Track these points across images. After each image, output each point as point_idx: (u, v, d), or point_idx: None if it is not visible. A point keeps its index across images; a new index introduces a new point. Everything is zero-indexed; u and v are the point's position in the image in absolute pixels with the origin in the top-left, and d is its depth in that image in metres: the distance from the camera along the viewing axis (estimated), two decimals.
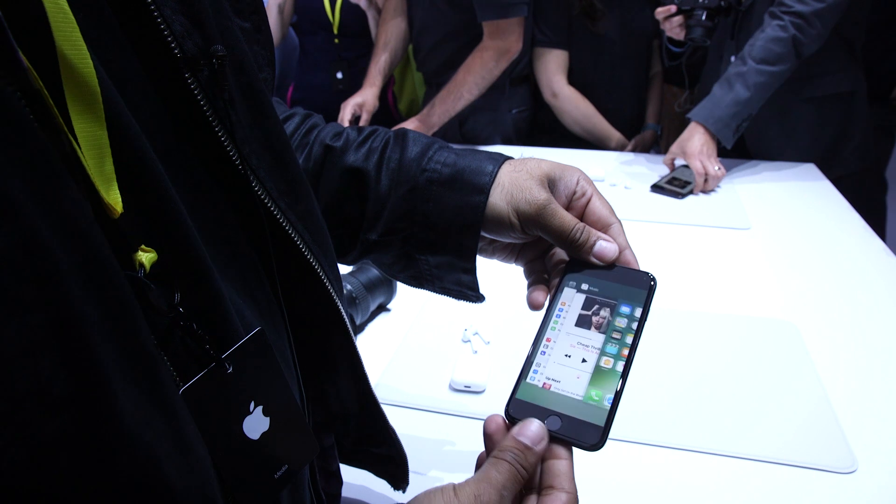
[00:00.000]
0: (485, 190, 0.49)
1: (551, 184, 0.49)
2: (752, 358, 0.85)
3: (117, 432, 0.23)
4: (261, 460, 0.33)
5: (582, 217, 0.49)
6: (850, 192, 1.48)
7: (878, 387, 0.81)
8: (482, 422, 0.76)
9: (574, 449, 0.40)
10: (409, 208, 0.51)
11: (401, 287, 0.97)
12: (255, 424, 0.33)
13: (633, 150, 1.85)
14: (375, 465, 0.57)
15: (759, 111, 1.49)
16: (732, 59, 1.50)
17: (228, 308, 0.32)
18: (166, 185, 0.29)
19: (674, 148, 1.52)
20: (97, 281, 0.23)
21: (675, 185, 1.48)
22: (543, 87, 1.83)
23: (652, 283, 0.45)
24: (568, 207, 0.50)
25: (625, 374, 0.41)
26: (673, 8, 1.58)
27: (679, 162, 1.54)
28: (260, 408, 0.33)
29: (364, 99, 1.74)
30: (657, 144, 1.97)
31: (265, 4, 2.17)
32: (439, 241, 0.51)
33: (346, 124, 1.65)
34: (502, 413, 0.42)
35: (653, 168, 1.66)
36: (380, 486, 0.61)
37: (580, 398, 0.41)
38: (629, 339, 0.43)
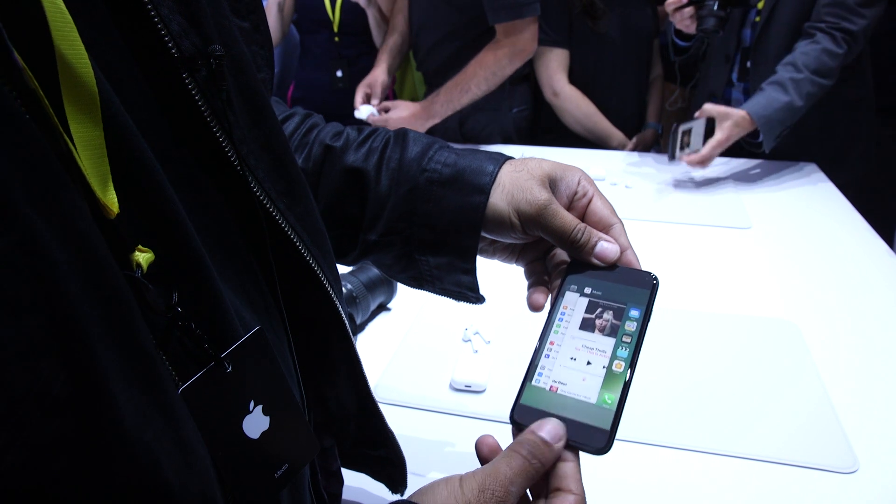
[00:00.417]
0: (485, 190, 0.49)
1: (552, 184, 0.49)
2: (752, 358, 0.85)
3: (117, 433, 0.23)
4: (261, 459, 0.33)
5: (583, 217, 0.49)
6: (860, 197, 1.47)
7: (880, 386, 0.80)
8: (483, 422, 0.76)
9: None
10: (410, 209, 0.51)
11: (401, 286, 0.97)
12: (255, 423, 0.33)
13: (634, 149, 1.85)
14: (373, 467, 0.57)
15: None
16: (778, 67, 1.47)
17: (227, 308, 0.31)
18: (164, 186, 0.29)
19: (719, 109, 1.44)
20: (96, 281, 0.23)
21: (683, 141, 1.44)
22: (544, 85, 1.83)
23: (654, 282, 0.45)
24: (569, 208, 0.49)
25: (629, 376, 0.41)
26: None
27: (693, 128, 1.48)
28: (260, 407, 0.33)
29: (373, 79, 1.73)
30: (658, 143, 1.97)
31: (265, 3, 2.17)
32: (439, 241, 0.51)
33: (360, 107, 1.65)
34: (507, 418, 0.41)
35: (654, 167, 1.66)
36: (380, 487, 0.61)
37: (585, 401, 0.41)
38: (633, 341, 0.42)
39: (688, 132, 1.46)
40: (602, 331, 0.43)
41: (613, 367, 0.42)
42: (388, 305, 0.99)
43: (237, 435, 0.32)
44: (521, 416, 0.41)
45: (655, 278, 0.45)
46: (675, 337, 0.90)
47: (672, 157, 1.47)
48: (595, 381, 0.41)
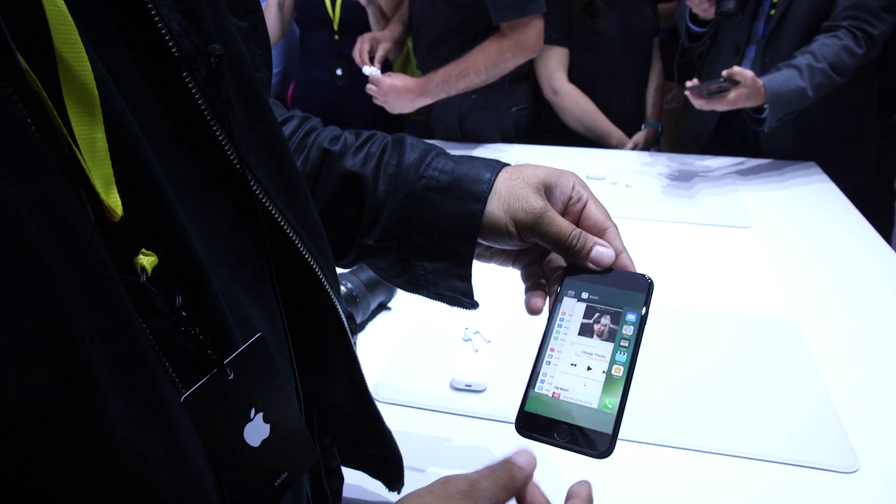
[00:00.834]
0: (482, 198, 0.49)
1: (547, 190, 0.50)
2: (753, 357, 0.85)
3: (108, 442, 0.23)
4: (261, 468, 0.33)
5: (578, 222, 0.50)
6: (861, 198, 1.47)
7: (880, 386, 0.80)
8: (483, 421, 0.76)
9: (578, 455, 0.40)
10: (407, 215, 0.51)
11: None
12: (256, 431, 0.32)
13: (634, 147, 1.85)
14: (370, 465, 0.57)
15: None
16: (797, 53, 1.46)
17: (226, 313, 0.31)
18: (164, 188, 0.28)
19: (746, 73, 1.38)
20: (92, 287, 0.23)
21: (713, 89, 1.41)
22: (544, 84, 1.83)
23: (649, 285, 0.46)
24: (564, 213, 0.50)
25: (629, 379, 0.42)
26: None
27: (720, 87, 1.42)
28: (261, 415, 0.33)
29: (381, 35, 1.70)
30: (658, 142, 1.97)
31: (264, 2, 2.17)
32: (436, 247, 0.51)
33: (361, 54, 1.63)
34: (508, 417, 0.42)
35: (654, 166, 1.66)
36: (379, 485, 0.61)
37: (587, 407, 0.41)
38: (631, 344, 0.43)
39: (720, 87, 1.41)
40: (600, 335, 0.44)
41: (613, 372, 0.42)
42: (389, 305, 0.99)
43: (238, 443, 0.31)
44: (526, 424, 0.42)
45: (650, 280, 0.46)
46: (675, 336, 0.90)
47: (690, 88, 1.41)
48: (595, 386, 0.42)
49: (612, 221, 0.50)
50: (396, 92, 1.61)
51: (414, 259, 0.52)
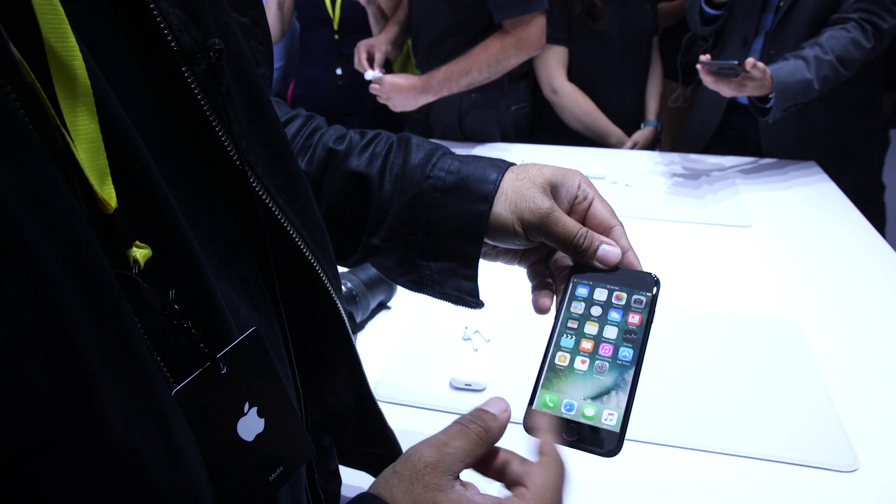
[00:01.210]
0: (489, 198, 0.49)
1: (553, 190, 0.50)
2: (753, 356, 0.85)
3: (103, 435, 0.22)
4: (255, 462, 0.33)
5: (584, 220, 0.50)
6: (858, 198, 1.47)
7: (880, 385, 0.80)
8: None
9: (579, 452, 0.40)
10: (413, 215, 0.51)
11: None
12: (250, 426, 0.32)
13: (634, 146, 1.85)
14: (373, 465, 0.57)
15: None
16: (804, 44, 1.44)
17: (222, 307, 0.31)
18: (159, 181, 0.28)
19: (760, 66, 1.37)
20: (85, 280, 0.22)
21: (725, 69, 1.39)
22: (543, 83, 1.82)
23: (656, 283, 0.46)
24: (570, 212, 0.50)
25: (636, 377, 0.42)
26: None
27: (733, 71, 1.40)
28: (255, 409, 0.33)
29: (376, 40, 1.71)
30: (658, 141, 1.97)
31: (264, 1, 2.16)
32: (442, 247, 0.51)
33: (361, 63, 1.63)
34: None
35: (654, 166, 1.66)
36: None
37: (596, 406, 0.41)
38: (638, 342, 0.44)
39: (732, 69, 1.38)
40: (608, 334, 0.44)
41: (621, 370, 0.42)
42: (389, 304, 0.98)
43: (231, 437, 0.31)
44: (534, 422, 0.42)
45: (657, 279, 0.46)
46: (675, 335, 0.90)
47: (703, 62, 1.40)
48: (603, 384, 0.42)
49: (618, 220, 0.50)
50: (399, 90, 1.61)
51: (420, 259, 0.52)
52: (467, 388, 0.78)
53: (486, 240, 0.50)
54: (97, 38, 0.28)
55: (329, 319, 0.46)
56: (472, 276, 0.52)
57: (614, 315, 0.45)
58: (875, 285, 1.06)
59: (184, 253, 0.29)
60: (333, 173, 0.54)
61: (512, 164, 0.52)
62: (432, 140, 0.56)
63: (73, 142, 0.24)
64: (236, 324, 0.33)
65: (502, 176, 0.50)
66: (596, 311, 0.46)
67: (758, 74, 1.35)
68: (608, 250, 0.47)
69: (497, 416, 0.38)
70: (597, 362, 0.43)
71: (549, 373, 0.44)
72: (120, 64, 0.29)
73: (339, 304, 0.45)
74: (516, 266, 0.55)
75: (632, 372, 0.42)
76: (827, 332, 0.92)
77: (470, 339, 0.88)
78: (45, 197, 0.21)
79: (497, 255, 0.55)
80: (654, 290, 0.46)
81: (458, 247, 0.50)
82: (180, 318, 0.28)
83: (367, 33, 2.00)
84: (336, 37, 2.04)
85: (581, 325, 0.45)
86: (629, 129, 1.88)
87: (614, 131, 1.85)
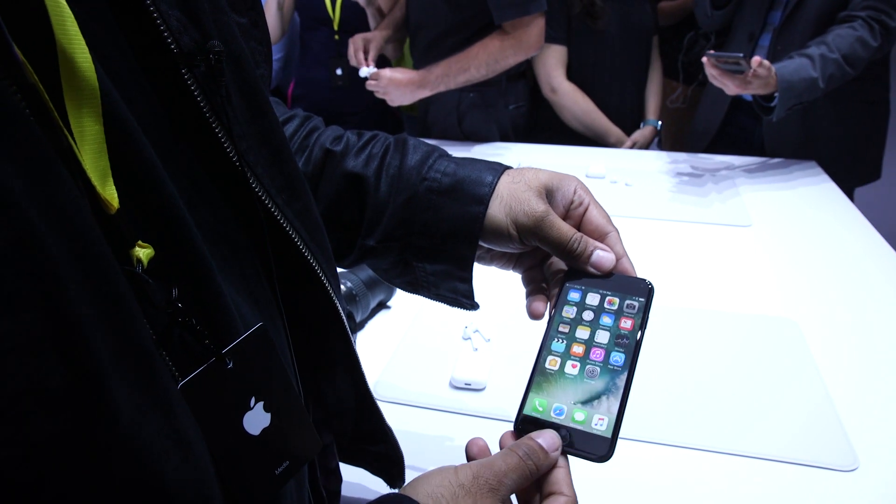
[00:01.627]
0: (484, 201, 0.50)
1: (549, 194, 0.50)
2: (753, 355, 0.85)
3: (114, 429, 0.23)
4: (261, 456, 0.33)
5: (579, 226, 0.50)
6: (864, 198, 1.47)
7: (880, 384, 0.80)
8: (482, 419, 0.76)
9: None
10: (408, 216, 0.52)
11: None
12: (256, 420, 0.33)
13: (633, 146, 1.85)
14: (372, 463, 0.58)
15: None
16: (810, 43, 1.44)
17: (227, 304, 0.31)
18: (163, 181, 0.29)
19: (767, 63, 1.37)
20: (94, 277, 0.23)
21: (731, 62, 1.38)
22: (542, 82, 1.82)
23: (650, 290, 0.46)
24: (565, 217, 0.50)
25: (628, 384, 0.42)
26: None
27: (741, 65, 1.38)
28: (261, 403, 0.33)
29: (372, 35, 1.71)
30: (658, 140, 1.97)
31: (264, 1, 2.16)
32: (437, 249, 0.51)
33: (357, 57, 1.63)
34: (507, 416, 0.42)
35: (654, 165, 1.66)
36: (379, 484, 0.61)
37: (586, 411, 0.41)
38: (631, 349, 0.43)
39: (738, 63, 1.37)
40: (600, 340, 0.44)
41: (612, 376, 0.42)
42: (388, 304, 0.99)
43: (237, 431, 0.32)
44: (525, 427, 0.42)
45: (651, 285, 0.46)
46: (675, 335, 0.90)
47: (709, 54, 1.39)
48: (595, 390, 0.42)
49: (614, 226, 0.50)
50: (396, 84, 1.61)
51: (415, 260, 0.53)
52: (467, 388, 0.78)
53: (481, 242, 0.51)
54: (99, 40, 0.28)
55: (328, 319, 0.46)
56: (467, 278, 0.52)
57: (606, 320, 0.45)
58: (875, 285, 1.06)
59: (187, 252, 0.29)
60: (330, 174, 0.54)
61: (508, 168, 0.52)
62: (430, 141, 0.56)
63: (76, 143, 0.24)
64: (242, 322, 0.33)
65: (498, 178, 0.51)
66: (588, 315, 0.46)
67: (763, 73, 1.35)
68: (602, 256, 0.47)
69: (549, 455, 0.40)
70: (588, 367, 0.43)
71: (538, 377, 0.43)
72: (120, 65, 0.30)
73: (338, 304, 0.45)
74: (511, 271, 0.55)
75: (623, 377, 0.42)
76: (827, 331, 0.92)
77: (470, 338, 0.88)
78: (53, 195, 0.22)
79: (492, 258, 0.55)
80: (648, 295, 0.45)
81: (452, 249, 0.51)
82: (185, 316, 0.29)
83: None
84: (336, 37, 2.04)
85: (572, 330, 0.45)
86: (629, 129, 1.89)
87: (614, 131, 1.85)
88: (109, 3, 0.30)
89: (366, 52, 1.67)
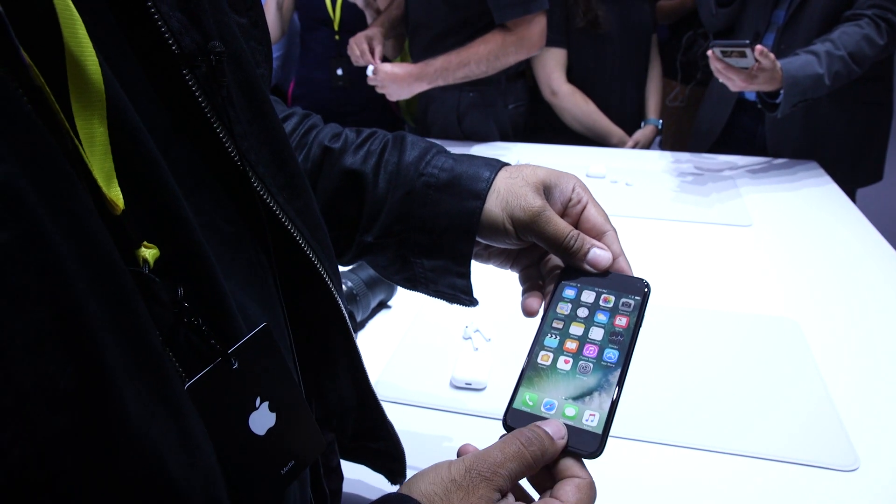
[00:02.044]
0: (481, 196, 0.49)
1: (547, 191, 0.50)
2: (753, 355, 0.85)
3: (122, 428, 0.23)
4: (267, 456, 0.33)
5: (577, 224, 0.50)
6: (865, 198, 1.46)
7: (880, 384, 0.80)
8: (483, 419, 0.76)
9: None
10: (406, 212, 0.52)
11: None
12: (261, 420, 0.33)
13: (635, 145, 1.85)
14: (373, 460, 0.58)
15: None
16: (816, 41, 1.43)
17: (230, 304, 0.32)
18: (167, 181, 0.29)
19: (771, 56, 1.35)
20: (101, 276, 0.23)
21: (735, 50, 1.36)
22: (542, 85, 1.82)
23: (646, 289, 0.46)
24: (563, 214, 0.50)
25: (621, 381, 0.42)
26: None
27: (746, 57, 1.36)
28: (266, 403, 0.33)
29: (373, 32, 1.70)
30: (660, 140, 1.97)
31: (263, 1, 2.17)
32: (435, 245, 0.51)
33: (363, 55, 1.63)
34: (501, 422, 0.42)
35: (654, 165, 1.66)
36: (379, 481, 0.61)
37: (577, 406, 0.41)
38: (625, 347, 0.43)
39: (743, 54, 1.35)
40: (594, 337, 0.44)
41: (605, 372, 0.42)
42: (389, 303, 0.99)
43: (243, 431, 0.32)
44: (515, 421, 0.42)
45: (647, 285, 0.46)
46: (675, 334, 0.90)
47: (714, 43, 1.37)
48: (586, 387, 0.42)
49: (612, 225, 0.50)
50: (394, 78, 1.60)
51: (413, 257, 0.53)
52: (467, 388, 0.79)
53: (479, 238, 0.51)
54: (101, 41, 0.28)
55: (330, 317, 0.46)
56: (465, 274, 0.52)
57: (601, 317, 0.45)
58: (876, 285, 1.06)
59: (192, 251, 0.30)
60: (328, 171, 0.54)
61: (506, 164, 0.52)
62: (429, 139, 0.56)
63: (81, 145, 0.24)
64: (246, 321, 0.33)
65: (495, 174, 0.51)
66: (582, 312, 0.45)
67: (767, 64, 1.33)
68: (599, 254, 0.47)
69: (555, 441, 0.39)
70: (580, 363, 0.43)
71: (530, 371, 0.43)
72: (123, 66, 0.30)
73: (340, 302, 0.45)
74: (509, 270, 0.55)
75: (617, 374, 0.42)
76: (827, 331, 0.92)
77: (470, 338, 0.88)
78: (60, 196, 0.22)
79: (489, 256, 0.55)
80: (644, 295, 0.45)
81: (450, 244, 0.51)
82: (190, 316, 0.29)
83: None
84: (336, 37, 2.04)
85: (566, 326, 0.45)
86: (630, 128, 1.89)
87: (615, 131, 1.85)
88: (110, 4, 0.30)
89: (371, 51, 1.67)
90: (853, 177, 1.64)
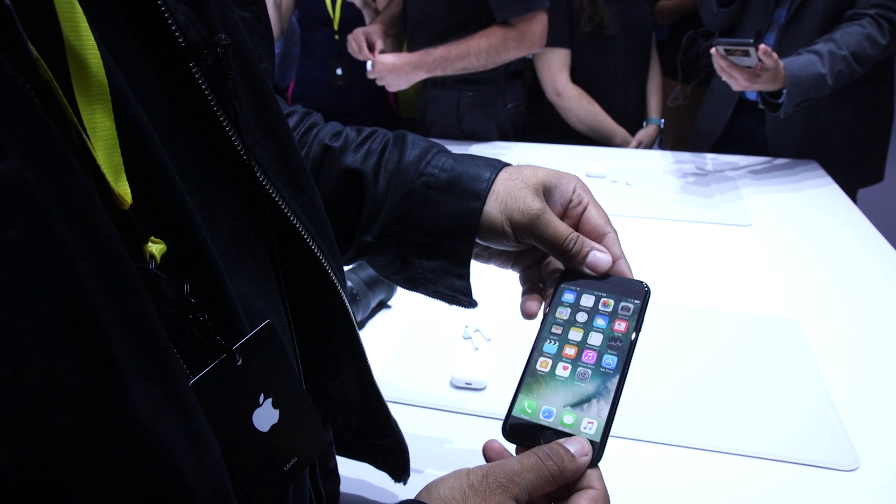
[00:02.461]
0: (481, 196, 0.49)
1: (547, 192, 0.49)
2: (753, 355, 0.85)
3: (131, 425, 0.23)
4: (270, 453, 0.33)
5: (577, 226, 0.49)
6: (866, 198, 1.46)
7: (880, 384, 0.80)
8: (483, 419, 0.76)
9: None
10: (406, 212, 0.51)
11: None
12: (265, 417, 0.33)
13: (638, 146, 1.85)
14: (376, 457, 0.57)
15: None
16: (818, 41, 1.43)
17: (235, 300, 0.32)
18: (173, 176, 0.29)
19: (775, 56, 1.35)
20: (110, 273, 0.23)
21: (739, 49, 1.35)
22: (546, 85, 1.82)
23: (646, 292, 0.45)
24: (563, 216, 0.50)
25: (620, 387, 0.41)
26: None
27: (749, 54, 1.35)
28: (269, 400, 0.33)
29: (372, 29, 1.69)
30: (661, 138, 1.97)
31: None
32: (434, 245, 0.51)
33: (362, 50, 1.63)
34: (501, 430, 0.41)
35: (655, 164, 1.66)
36: (379, 482, 0.61)
37: (576, 413, 0.41)
38: (624, 352, 0.43)
39: (746, 52, 1.34)
40: (593, 342, 0.44)
41: (604, 379, 0.42)
42: (389, 303, 0.99)
43: (247, 428, 0.32)
44: (514, 430, 0.41)
45: (647, 287, 0.46)
46: (675, 334, 0.90)
47: (717, 41, 1.37)
48: (585, 393, 0.41)
49: (613, 227, 0.49)
50: (391, 68, 1.59)
51: (412, 257, 0.52)
52: (467, 388, 0.78)
53: (478, 240, 0.50)
54: (107, 35, 0.28)
55: (333, 311, 0.46)
56: (464, 275, 0.52)
57: (600, 322, 0.44)
58: (876, 285, 1.06)
59: (198, 247, 0.30)
60: (329, 170, 0.54)
61: (507, 165, 0.52)
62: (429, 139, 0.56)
63: (88, 139, 0.24)
64: (250, 317, 0.33)
65: (496, 175, 0.50)
66: (581, 317, 0.45)
67: (770, 63, 1.33)
68: (598, 257, 0.46)
69: (576, 458, 0.38)
70: (579, 369, 0.42)
71: (529, 378, 0.43)
72: (129, 60, 0.30)
73: (344, 297, 0.45)
74: (509, 270, 0.55)
75: (615, 380, 0.41)
76: (827, 331, 0.92)
77: (470, 338, 0.88)
78: (69, 190, 0.22)
79: (489, 256, 0.54)
80: (644, 298, 0.45)
81: (449, 245, 0.50)
82: (196, 312, 0.29)
83: None
84: (336, 37, 2.04)
85: (565, 331, 0.44)
86: (632, 128, 1.89)
87: (619, 132, 1.85)
88: None
89: (370, 46, 1.67)
90: (854, 177, 1.64)
